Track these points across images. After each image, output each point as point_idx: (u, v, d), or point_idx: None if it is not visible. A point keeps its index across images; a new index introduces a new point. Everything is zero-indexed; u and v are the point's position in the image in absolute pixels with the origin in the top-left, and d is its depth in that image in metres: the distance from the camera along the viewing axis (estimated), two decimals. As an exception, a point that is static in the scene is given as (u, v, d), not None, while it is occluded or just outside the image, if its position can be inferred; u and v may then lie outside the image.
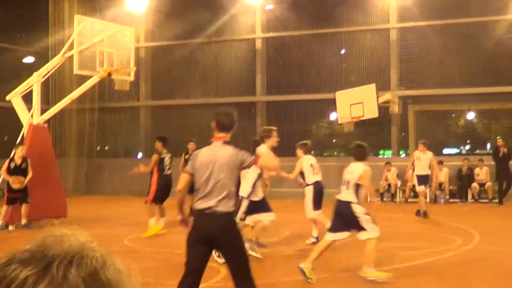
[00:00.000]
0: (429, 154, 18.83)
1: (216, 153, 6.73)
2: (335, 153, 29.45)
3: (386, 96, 24.29)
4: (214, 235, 6.58)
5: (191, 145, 18.26)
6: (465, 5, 25.33)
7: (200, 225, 6.69)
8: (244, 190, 11.58)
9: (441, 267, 10.99)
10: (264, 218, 12.02)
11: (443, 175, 23.65)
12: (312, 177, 13.60)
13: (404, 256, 11.91)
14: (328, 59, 27.62)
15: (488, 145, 27.89)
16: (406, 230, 16.01)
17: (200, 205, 6.69)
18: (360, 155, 10.32)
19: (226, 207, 6.61)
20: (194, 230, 6.72)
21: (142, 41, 30.02)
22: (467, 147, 28.79)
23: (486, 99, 26.44)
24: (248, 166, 6.82)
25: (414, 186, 21.00)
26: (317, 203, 13.62)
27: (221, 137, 6.84)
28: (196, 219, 6.79)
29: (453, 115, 29.64)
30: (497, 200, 23.04)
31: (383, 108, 23.91)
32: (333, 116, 26.21)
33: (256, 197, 11.72)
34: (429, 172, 18.90)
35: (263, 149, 11.27)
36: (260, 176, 11.62)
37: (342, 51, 28.70)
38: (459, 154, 27.39)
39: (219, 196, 6.60)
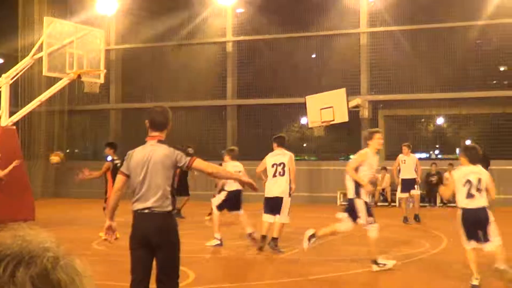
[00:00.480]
0: (414, 157, 18.76)
1: (151, 153, 6.58)
2: (306, 157, 29.50)
3: (356, 101, 24.46)
4: (153, 235, 6.43)
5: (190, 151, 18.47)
6: (435, 10, 25.59)
7: (139, 226, 6.54)
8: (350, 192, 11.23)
9: (409, 270, 11.05)
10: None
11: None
12: (231, 184, 13.71)
13: (360, 261, 11.95)
14: (299, 63, 27.69)
15: (458, 150, 28.12)
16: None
17: (138, 206, 6.55)
18: (478, 158, 9.88)
19: (163, 206, 6.48)
20: (134, 233, 6.57)
21: (113, 43, 29.89)
22: (437, 151, 28.99)
23: (456, 104, 26.69)
24: (183, 167, 6.68)
25: (383, 190, 21.02)
26: (223, 206, 13.94)
27: (155, 136, 6.69)
28: (135, 221, 6.62)
29: (423, 120, 29.82)
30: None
31: (353, 113, 24.06)
32: (303, 120, 26.29)
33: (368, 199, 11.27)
34: (415, 176, 18.63)
35: (365, 151, 11.23)
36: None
37: (313, 55, 28.78)
38: (429, 158, 27.56)
39: (155, 196, 6.47)
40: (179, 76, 29.38)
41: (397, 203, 23.68)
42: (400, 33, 26.40)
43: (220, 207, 14.02)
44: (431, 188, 24.15)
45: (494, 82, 26.91)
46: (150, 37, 29.17)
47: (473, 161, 9.73)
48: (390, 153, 27.16)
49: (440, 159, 27.17)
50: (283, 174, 12.94)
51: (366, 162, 11.06)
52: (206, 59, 29.03)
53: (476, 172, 9.62)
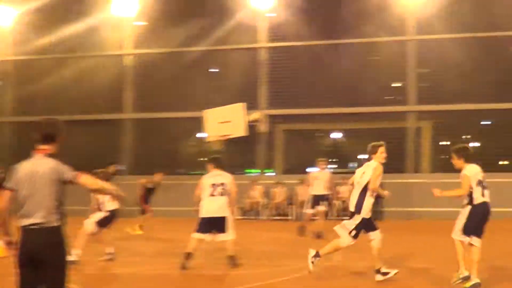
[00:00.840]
0: (327, 172, 18.54)
1: (37, 166, 6.38)
2: (204, 171, 29.34)
3: (254, 115, 24.57)
4: (40, 251, 6.24)
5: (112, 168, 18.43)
6: (333, 27, 26.07)
7: (26, 242, 6.32)
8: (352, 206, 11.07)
9: (299, 284, 11.10)
10: (375, 236, 11.20)
11: (307, 193, 24.18)
12: (111, 203, 13.62)
13: (262, 274, 11.98)
14: (198, 77, 27.64)
15: (353, 164, 28.66)
16: (267, 248, 16.08)
17: (24, 221, 6.33)
18: (472, 156, 10.46)
19: (50, 221, 6.30)
20: (21, 249, 6.33)
21: (7, 54, 29.10)
22: (333, 166, 29.41)
23: (352, 119, 27.23)
24: (69, 181, 6.44)
25: (277, 204, 20.99)
26: (104, 224, 13.70)
27: (43, 150, 6.49)
28: (21, 237, 6.37)
29: (321, 134, 30.26)
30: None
31: (252, 127, 24.16)
32: (201, 134, 26.17)
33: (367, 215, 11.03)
34: (326, 192, 18.38)
35: (373, 165, 11.00)
36: (365, 192, 10.94)
37: (213, 69, 28.79)
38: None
39: (42, 210, 6.29)
40: (76, 89, 28.80)
41: (294, 217, 24.01)
42: (299, 48, 26.77)
43: (101, 224, 13.74)
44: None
45: (388, 97, 27.60)
46: (47, 48, 28.54)
47: (469, 160, 10.31)
48: (289, 167, 27.50)
49: (336, 173, 27.59)
50: (223, 195, 12.82)
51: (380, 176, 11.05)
52: (103, 72, 28.58)
53: (480, 171, 10.28)
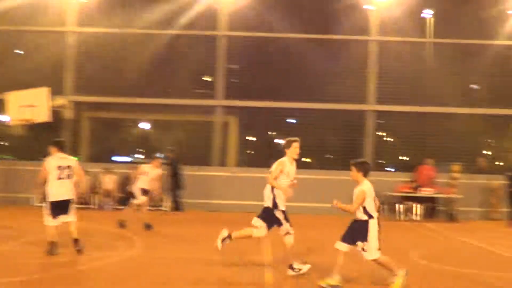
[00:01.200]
0: (159, 172, 18.52)
1: None
2: (3, 156, 28.13)
3: (59, 101, 23.91)
4: None
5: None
6: (144, 18, 25.87)
7: None
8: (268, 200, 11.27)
9: (99, 274, 10.88)
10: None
11: (111, 182, 23.95)
12: None
13: (60, 263, 11.66)
14: (1, 58, 26.38)
15: (159, 155, 28.62)
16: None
17: None
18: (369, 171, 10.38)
19: None
20: None
21: None
22: (140, 156, 29.22)
23: (161, 110, 27.18)
24: None
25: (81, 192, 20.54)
26: None
27: None
28: None
29: (129, 124, 29.95)
30: (165, 208, 23.87)
31: (57, 113, 23.49)
32: (3, 118, 25.04)
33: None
34: (150, 188, 18.32)
35: (283, 160, 11.17)
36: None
37: (17, 51, 27.58)
38: (132, 162, 27.74)
39: None
40: None
41: (96, 206, 23.63)
42: (109, 35, 26.32)
43: None
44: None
45: (198, 91, 27.77)
46: None
47: (366, 175, 10.23)
48: (94, 155, 26.99)
49: (142, 163, 27.48)
50: (70, 177, 12.86)
51: (284, 170, 11.16)
52: None
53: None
